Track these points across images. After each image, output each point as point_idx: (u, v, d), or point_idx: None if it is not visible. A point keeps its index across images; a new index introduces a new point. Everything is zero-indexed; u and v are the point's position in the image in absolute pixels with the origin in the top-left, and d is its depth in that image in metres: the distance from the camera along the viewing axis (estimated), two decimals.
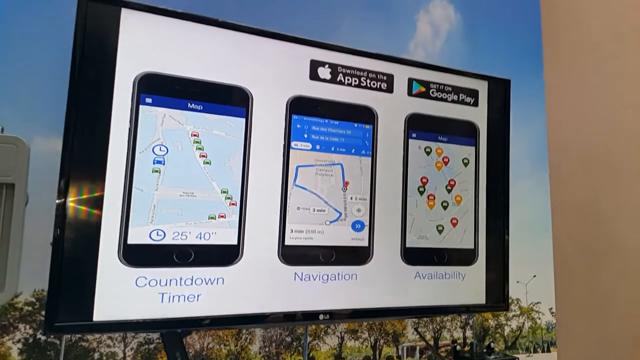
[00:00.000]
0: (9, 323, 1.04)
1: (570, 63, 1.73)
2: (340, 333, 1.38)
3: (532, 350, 1.68)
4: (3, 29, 1.12)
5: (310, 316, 1.16)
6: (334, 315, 1.18)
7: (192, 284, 1.05)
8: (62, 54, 1.08)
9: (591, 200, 1.62)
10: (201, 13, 1.10)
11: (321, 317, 1.17)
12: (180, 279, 1.04)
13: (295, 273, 1.15)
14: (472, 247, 1.37)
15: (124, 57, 1.03)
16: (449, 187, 1.35)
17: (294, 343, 1.32)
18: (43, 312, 1.07)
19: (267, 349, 1.28)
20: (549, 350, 1.70)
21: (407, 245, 1.28)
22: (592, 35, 1.66)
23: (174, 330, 1.10)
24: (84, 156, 0.98)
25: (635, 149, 1.49)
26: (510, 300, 1.57)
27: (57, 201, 0.96)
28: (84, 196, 0.98)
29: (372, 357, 1.41)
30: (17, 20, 1.12)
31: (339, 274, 1.19)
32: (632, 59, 1.52)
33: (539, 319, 1.69)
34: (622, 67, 1.55)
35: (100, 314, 0.97)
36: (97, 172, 0.99)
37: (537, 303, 1.69)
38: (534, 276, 1.68)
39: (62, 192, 0.96)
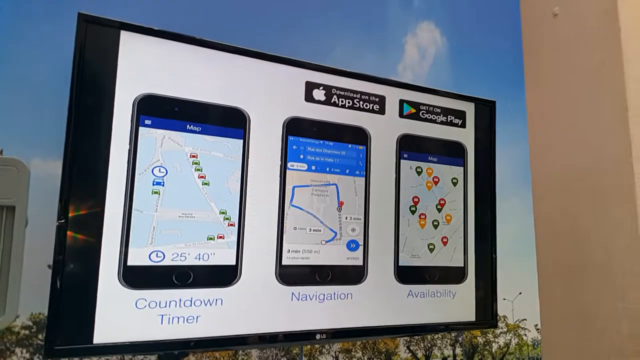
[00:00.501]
0: (6, 347, 1.03)
1: (550, 87, 1.79)
2: (335, 352, 1.39)
3: None
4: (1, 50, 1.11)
5: (307, 336, 1.17)
6: (331, 335, 1.19)
7: (191, 305, 1.05)
8: (59, 75, 1.09)
9: (570, 220, 1.67)
10: (199, 35, 1.11)
11: (318, 336, 1.18)
12: (180, 300, 1.04)
13: (293, 293, 1.16)
14: (462, 265, 1.39)
15: (124, 79, 1.03)
16: (439, 207, 1.38)
17: None
18: (40, 336, 1.05)
19: None
20: None
21: (400, 264, 1.30)
22: (571, 60, 1.72)
23: (171, 352, 1.10)
24: (83, 178, 0.98)
25: (612, 171, 1.55)
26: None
27: (57, 223, 0.95)
28: (84, 218, 0.97)
29: None
30: (15, 42, 1.12)
31: (334, 294, 1.20)
32: (610, 85, 1.58)
33: (525, 335, 1.73)
34: (600, 92, 1.61)
35: (100, 336, 0.96)
36: (97, 194, 0.99)
37: (523, 320, 1.73)
38: (520, 293, 1.72)
39: (62, 214, 0.96)
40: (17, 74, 1.12)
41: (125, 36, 1.05)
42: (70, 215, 0.96)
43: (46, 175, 1.07)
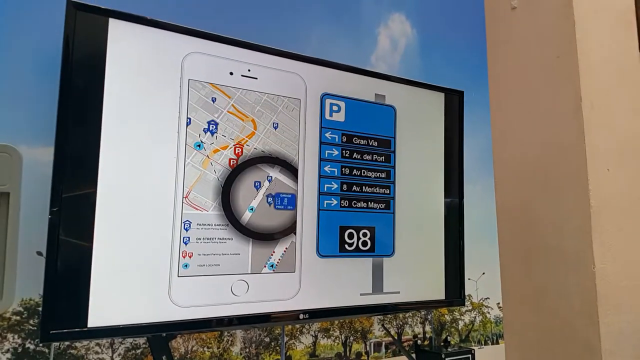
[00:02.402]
0: None
1: (510, 78, 1.89)
2: (314, 332, 1.44)
3: (483, 343, 1.81)
4: None
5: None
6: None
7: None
8: (47, 62, 1.09)
9: (527, 204, 1.78)
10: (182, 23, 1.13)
11: (301, 316, 1.23)
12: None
13: None
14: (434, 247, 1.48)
15: (113, 66, 1.04)
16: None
17: (272, 343, 1.37)
18: (32, 321, 1.06)
19: (247, 350, 1.32)
20: (497, 342, 1.84)
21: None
22: (529, 53, 1.82)
23: (159, 335, 1.12)
24: (75, 163, 0.99)
25: (566, 158, 1.66)
26: None
27: (51, 210, 0.96)
28: (77, 204, 0.99)
29: (343, 354, 1.49)
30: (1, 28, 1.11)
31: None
32: (565, 76, 1.69)
33: (489, 313, 1.83)
34: (556, 83, 1.71)
35: (94, 320, 0.98)
36: (88, 181, 1.00)
37: (487, 298, 1.83)
38: (483, 273, 1.82)
39: (56, 201, 0.96)
40: (2, 60, 1.10)
41: (114, 24, 1.06)
42: (63, 201, 0.97)
43: (34, 162, 1.07)
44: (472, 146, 1.79)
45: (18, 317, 1.05)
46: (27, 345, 1.06)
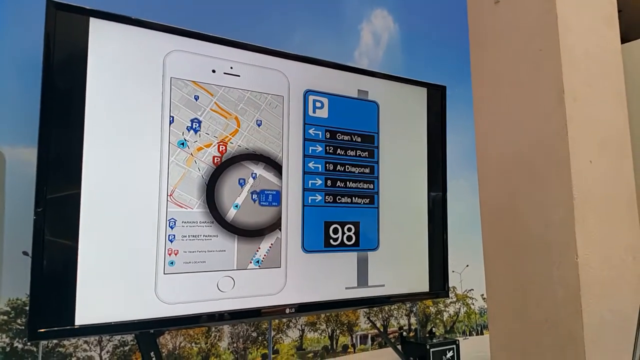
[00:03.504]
0: None
1: (493, 72, 1.91)
2: (301, 326, 1.46)
3: (467, 334, 1.84)
4: None
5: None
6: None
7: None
8: (28, 62, 1.09)
9: (511, 197, 1.81)
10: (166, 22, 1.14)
11: (287, 310, 1.25)
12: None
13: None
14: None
15: (94, 66, 1.05)
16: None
17: (260, 338, 1.38)
18: (19, 321, 1.07)
19: (235, 345, 1.34)
20: (482, 333, 1.87)
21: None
22: (512, 47, 1.84)
23: (147, 331, 1.14)
24: (59, 163, 1.00)
25: (549, 150, 1.68)
26: None
27: (35, 210, 0.96)
28: (61, 204, 0.99)
29: (329, 347, 1.51)
30: None
31: None
32: (547, 70, 1.71)
33: (473, 304, 1.86)
34: (538, 76, 1.74)
35: (81, 318, 0.99)
36: (72, 181, 1.00)
37: (471, 290, 1.86)
38: (467, 266, 1.84)
39: (41, 201, 0.97)
40: None
41: (95, 23, 1.06)
42: (47, 201, 0.98)
43: (17, 162, 1.07)
44: (455, 141, 1.81)
45: (5, 317, 1.06)
46: (15, 344, 1.07)
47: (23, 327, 1.08)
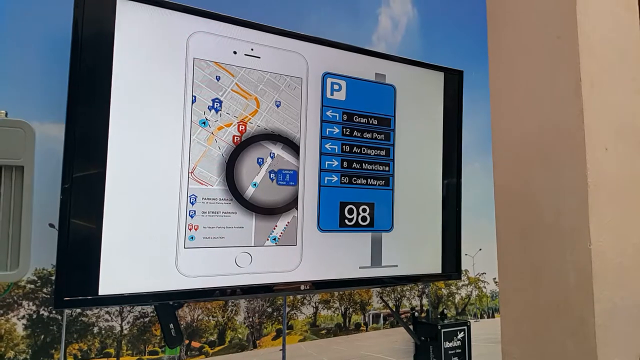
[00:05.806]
0: (14, 300, 1.08)
1: (510, 58, 1.91)
2: (315, 303, 1.49)
3: (479, 316, 1.87)
4: None
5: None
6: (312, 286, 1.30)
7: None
8: (58, 40, 1.12)
9: (525, 183, 1.82)
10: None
11: (302, 287, 1.29)
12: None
13: None
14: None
15: (121, 46, 1.08)
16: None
17: (275, 313, 1.42)
18: (45, 290, 1.12)
19: (250, 319, 1.38)
20: (493, 316, 1.90)
21: None
22: (530, 34, 1.84)
23: (166, 303, 1.17)
24: (86, 140, 1.04)
25: (565, 138, 1.69)
26: None
27: (63, 185, 1.00)
28: (87, 178, 1.03)
29: (342, 324, 1.54)
30: (12, 9, 1.14)
31: None
32: (565, 57, 1.71)
33: (485, 287, 1.88)
34: (556, 64, 1.74)
35: (105, 288, 1.04)
36: (98, 156, 1.04)
37: (483, 273, 1.88)
38: (480, 249, 1.86)
39: (68, 175, 1.01)
40: (14, 40, 1.14)
41: (122, 3, 1.08)
42: (74, 177, 1.01)
43: (44, 137, 1.11)
44: (471, 125, 1.82)
45: (32, 286, 1.11)
46: (41, 312, 1.12)
47: (49, 296, 1.12)
